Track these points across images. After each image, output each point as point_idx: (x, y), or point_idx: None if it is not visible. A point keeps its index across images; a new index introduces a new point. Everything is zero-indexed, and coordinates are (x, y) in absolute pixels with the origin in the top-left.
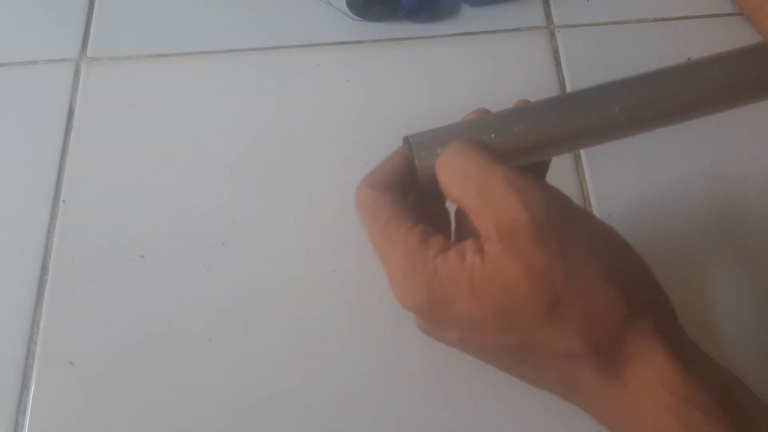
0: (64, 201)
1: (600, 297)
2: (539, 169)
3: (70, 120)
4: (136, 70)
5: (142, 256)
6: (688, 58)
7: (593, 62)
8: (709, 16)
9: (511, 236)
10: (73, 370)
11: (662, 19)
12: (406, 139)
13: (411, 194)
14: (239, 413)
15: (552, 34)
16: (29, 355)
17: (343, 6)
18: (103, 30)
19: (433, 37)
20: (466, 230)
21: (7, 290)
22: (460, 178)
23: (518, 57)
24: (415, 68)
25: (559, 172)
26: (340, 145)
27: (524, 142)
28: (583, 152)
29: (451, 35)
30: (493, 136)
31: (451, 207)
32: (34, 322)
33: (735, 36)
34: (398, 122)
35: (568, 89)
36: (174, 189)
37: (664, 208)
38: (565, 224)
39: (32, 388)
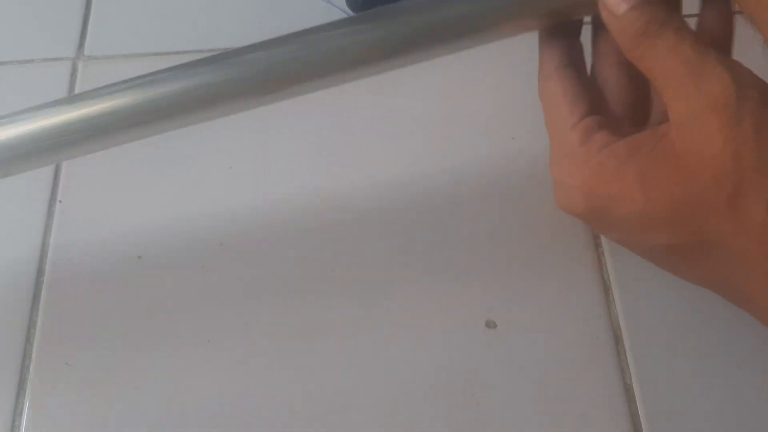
0: (60, 201)
1: None
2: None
3: None
4: (133, 69)
5: (139, 257)
6: None
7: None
8: None
9: (710, 113)
10: (71, 372)
11: None
12: None
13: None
14: (237, 414)
15: None
16: (26, 356)
17: (343, 4)
18: (101, 28)
19: None
20: (640, 114)
21: (4, 291)
22: (670, 51)
23: (520, 54)
24: (415, 66)
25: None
26: (339, 143)
27: None
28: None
29: None
30: None
31: None
32: (31, 323)
33: (736, 33)
34: (398, 120)
35: None
36: (171, 188)
37: None
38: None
39: (29, 389)
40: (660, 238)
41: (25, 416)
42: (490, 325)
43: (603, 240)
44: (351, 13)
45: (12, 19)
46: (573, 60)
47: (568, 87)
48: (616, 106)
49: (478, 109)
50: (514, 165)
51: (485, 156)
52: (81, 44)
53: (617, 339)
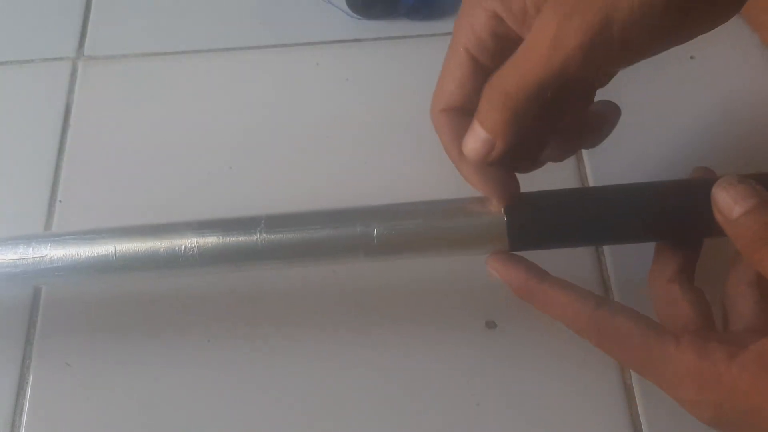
0: (60, 201)
1: None
2: None
3: (67, 119)
4: (133, 69)
5: None
6: (691, 57)
7: None
8: None
9: None
10: (70, 371)
11: None
12: None
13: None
14: (237, 415)
15: None
16: (26, 356)
17: (343, 4)
18: (101, 28)
19: (433, 35)
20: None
21: (4, 291)
22: None
23: None
24: (415, 67)
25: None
26: (340, 144)
27: None
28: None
29: (451, 33)
30: None
31: None
32: (31, 323)
33: (733, 34)
34: (398, 121)
35: None
36: (172, 189)
37: None
38: None
39: (29, 389)
40: None
41: (25, 415)
42: (490, 325)
43: None
44: (351, 13)
45: (12, 19)
46: (688, 266)
47: (633, 317)
48: (737, 314)
49: None
50: None
51: None
52: (81, 44)
53: None
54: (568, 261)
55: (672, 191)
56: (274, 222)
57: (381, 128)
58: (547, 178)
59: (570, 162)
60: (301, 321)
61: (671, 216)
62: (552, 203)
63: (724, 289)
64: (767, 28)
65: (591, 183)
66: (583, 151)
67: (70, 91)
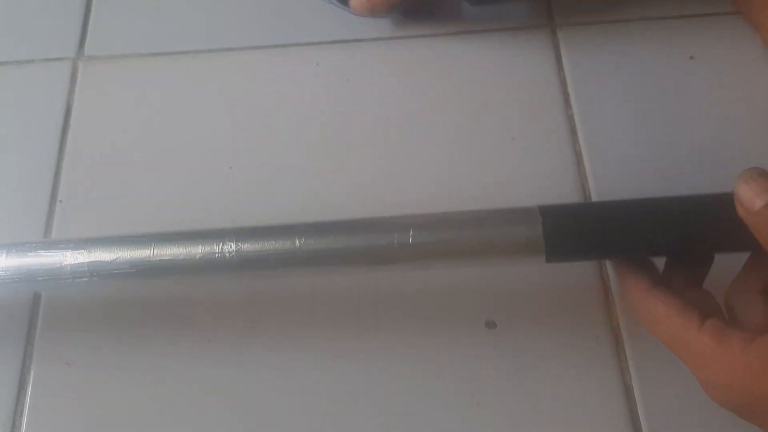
0: (61, 201)
1: None
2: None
3: (67, 119)
4: (134, 69)
5: None
6: (690, 57)
7: (595, 60)
8: (709, 14)
9: None
10: (70, 372)
11: (664, 18)
12: None
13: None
14: (238, 415)
15: (553, 33)
16: (26, 356)
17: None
18: (101, 28)
19: (433, 35)
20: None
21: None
22: None
23: (519, 55)
24: (415, 67)
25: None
26: (340, 144)
27: None
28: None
29: (451, 34)
30: None
31: None
32: (31, 324)
33: (733, 32)
34: (398, 121)
35: (570, 88)
36: (172, 189)
37: None
38: None
39: (29, 389)
40: None
41: (25, 416)
42: (490, 325)
43: None
44: (350, 12)
45: (12, 19)
46: (660, 280)
47: (667, 301)
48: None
49: (479, 110)
50: (513, 164)
51: (483, 157)
52: (81, 44)
53: (617, 339)
54: (570, 265)
55: (703, 205)
56: (312, 230)
57: (381, 128)
58: (547, 175)
59: (570, 162)
60: (301, 322)
61: (702, 229)
62: (586, 216)
63: (727, 296)
64: (767, 27)
65: (591, 183)
66: (584, 153)
67: (71, 91)
